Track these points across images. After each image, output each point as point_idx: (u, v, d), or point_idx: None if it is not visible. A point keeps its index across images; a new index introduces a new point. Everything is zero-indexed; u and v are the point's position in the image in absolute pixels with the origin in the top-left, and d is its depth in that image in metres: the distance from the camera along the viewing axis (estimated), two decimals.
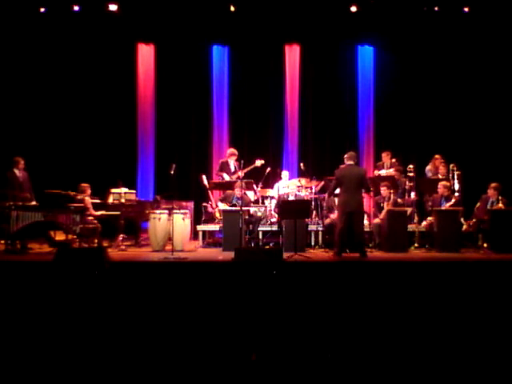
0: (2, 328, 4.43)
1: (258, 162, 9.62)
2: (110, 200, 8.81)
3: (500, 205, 8.39)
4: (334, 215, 8.51)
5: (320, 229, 8.93)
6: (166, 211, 8.42)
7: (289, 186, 9.55)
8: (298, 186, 9.45)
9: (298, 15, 10.89)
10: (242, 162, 8.75)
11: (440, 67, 11.13)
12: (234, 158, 9.67)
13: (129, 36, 11.11)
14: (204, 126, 11.46)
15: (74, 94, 10.89)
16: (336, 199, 8.58)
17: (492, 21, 10.68)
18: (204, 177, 9.65)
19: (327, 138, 11.43)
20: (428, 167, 9.61)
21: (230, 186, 9.23)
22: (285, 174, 9.93)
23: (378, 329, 4.49)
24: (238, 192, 8.73)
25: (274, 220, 9.23)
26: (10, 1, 10.31)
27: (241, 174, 8.87)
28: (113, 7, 10.56)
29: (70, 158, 10.56)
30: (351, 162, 7.89)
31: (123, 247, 8.32)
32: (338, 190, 7.92)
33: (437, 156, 9.54)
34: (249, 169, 9.57)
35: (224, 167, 9.69)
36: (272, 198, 9.55)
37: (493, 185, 8.61)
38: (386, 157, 9.87)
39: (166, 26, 11.03)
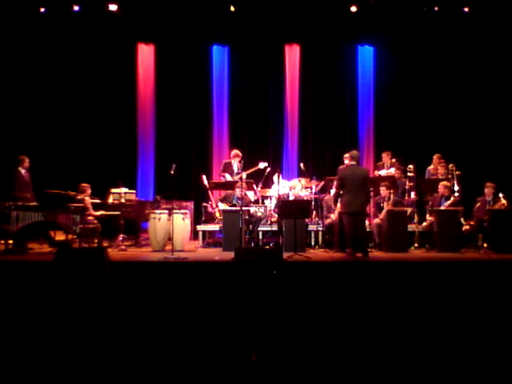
0: (2, 328, 4.43)
1: (262, 165, 9.60)
2: (110, 200, 8.81)
3: (502, 201, 8.39)
4: (334, 215, 8.51)
5: (320, 229, 8.93)
6: (166, 211, 8.42)
7: (295, 187, 9.45)
8: (292, 187, 9.41)
9: (297, 15, 10.89)
10: (243, 162, 8.74)
11: (440, 67, 11.13)
12: (238, 159, 9.65)
13: (129, 36, 11.11)
14: (204, 126, 11.46)
15: (74, 94, 10.88)
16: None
17: (492, 21, 10.68)
18: (204, 177, 9.64)
19: (327, 138, 11.43)
20: (430, 167, 9.63)
21: (229, 186, 9.23)
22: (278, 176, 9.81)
23: (378, 329, 4.49)
24: (238, 192, 8.73)
25: (274, 220, 9.23)
26: (10, 1, 10.31)
27: (244, 175, 8.87)
28: (113, 7, 10.56)
29: (70, 158, 10.56)
30: (354, 162, 7.87)
31: (123, 247, 8.31)
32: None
33: (436, 155, 9.56)
34: (251, 170, 9.60)
35: (227, 168, 9.68)
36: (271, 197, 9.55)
37: (488, 184, 8.68)
38: (386, 157, 9.87)
39: (166, 26, 11.03)
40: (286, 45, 11.53)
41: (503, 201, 8.43)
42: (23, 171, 8.40)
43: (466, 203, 8.79)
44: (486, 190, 8.67)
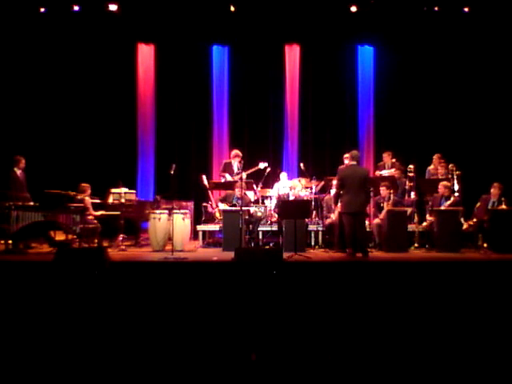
0: (2, 328, 4.43)
1: (262, 165, 9.61)
2: (110, 200, 8.81)
3: (503, 206, 8.37)
4: (334, 215, 8.51)
5: (320, 229, 8.94)
6: (166, 211, 8.41)
7: (295, 187, 9.47)
8: (292, 187, 9.44)
9: (297, 15, 10.89)
10: (242, 162, 8.75)
11: (440, 67, 11.13)
12: (238, 159, 9.66)
13: (129, 36, 11.12)
14: (204, 126, 11.47)
15: (74, 94, 10.89)
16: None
17: (492, 21, 10.68)
18: (204, 177, 9.66)
19: (327, 138, 11.44)
20: (430, 167, 9.63)
21: (229, 186, 9.23)
22: (283, 175, 9.89)
23: (377, 329, 4.49)
24: (238, 192, 8.74)
25: (274, 220, 9.23)
26: (10, 1, 10.32)
27: (244, 175, 8.87)
28: (113, 7, 10.57)
29: (70, 157, 10.57)
30: (354, 162, 7.86)
31: (123, 247, 8.31)
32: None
33: (436, 155, 9.56)
34: (252, 170, 9.62)
35: (227, 168, 9.69)
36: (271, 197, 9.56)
37: (496, 184, 8.62)
38: (386, 157, 9.88)
39: (166, 26, 11.04)
40: (286, 45, 11.53)
41: (504, 206, 8.40)
42: (19, 172, 8.42)
43: (466, 203, 8.78)
44: (492, 190, 8.59)
